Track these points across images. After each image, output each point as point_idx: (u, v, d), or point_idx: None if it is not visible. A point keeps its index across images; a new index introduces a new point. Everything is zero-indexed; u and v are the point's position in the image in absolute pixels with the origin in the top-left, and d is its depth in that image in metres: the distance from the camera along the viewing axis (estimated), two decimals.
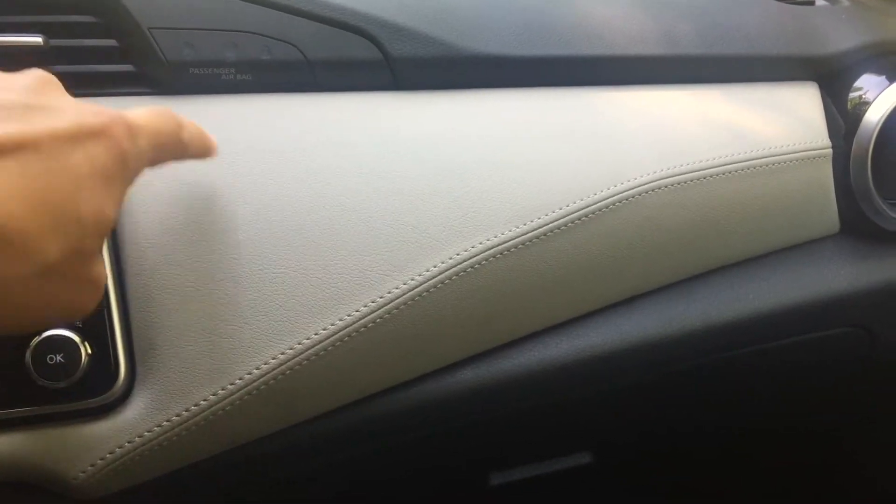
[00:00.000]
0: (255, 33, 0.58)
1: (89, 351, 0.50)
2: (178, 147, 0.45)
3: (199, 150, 0.48)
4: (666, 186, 0.62)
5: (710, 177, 0.64)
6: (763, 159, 0.66)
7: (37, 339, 0.49)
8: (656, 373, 0.68)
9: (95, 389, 0.50)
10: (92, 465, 0.50)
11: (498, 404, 0.63)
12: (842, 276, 0.70)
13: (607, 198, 0.60)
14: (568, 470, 0.78)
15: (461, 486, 0.77)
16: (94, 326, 0.50)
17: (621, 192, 0.61)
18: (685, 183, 0.63)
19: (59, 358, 0.49)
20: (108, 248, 0.51)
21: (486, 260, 0.57)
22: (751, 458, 0.97)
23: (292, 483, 0.63)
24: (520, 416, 0.68)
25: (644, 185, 0.61)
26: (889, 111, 0.67)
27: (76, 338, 0.49)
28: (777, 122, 0.67)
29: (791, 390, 0.84)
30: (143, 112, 0.42)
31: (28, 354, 0.48)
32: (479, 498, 0.77)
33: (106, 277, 0.42)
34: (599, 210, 0.60)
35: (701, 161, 0.64)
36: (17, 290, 0.32)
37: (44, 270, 0.33)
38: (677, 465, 0.90)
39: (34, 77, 0.37)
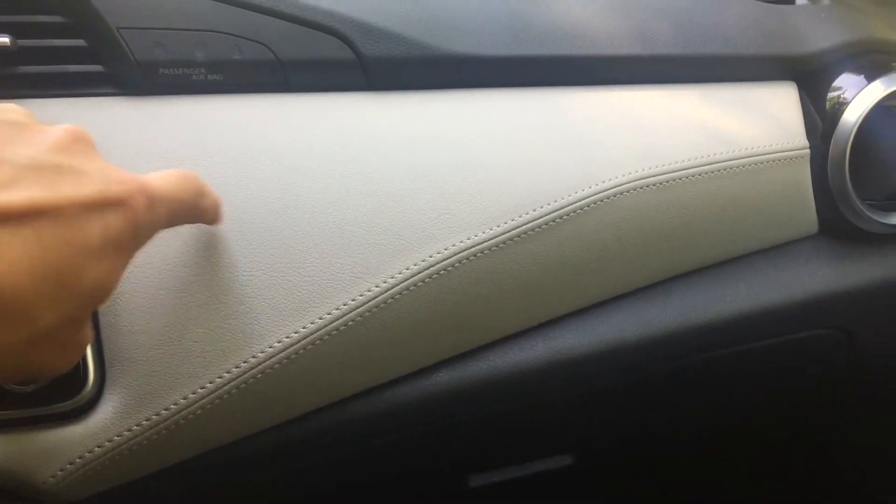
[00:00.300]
0: (225, 33, 0.59)
1: None
2: (195, 215, 0.46)
3: (213, 217, 0.49)
4: (642, 187, 0.63)
5: (688, 178, 0.65)
6: (741, 160, 0.67)
7: None
8: (635, 375, 0.69)
9: (64, 393, 0.51)
10: (62, 470, 0.51)
11: (475, 407, 0.65)
12: (820, 276, 0.71)
13: (582, 199, 0.62)
14: (548, 472, 0.79)
15: (441, 488, 0.78)
16: None
17: (597, 194, 0.62)
18: (662, 184, 0.64)
19: None
20: None
21: (460, 262, 0.58)
22: (731, 461, 0.98)
23: (266, 486, 0.64)
24: (498, 419, 0.69)
25: (620, 185, 0.63)
26: (867, 111, 0.68)
27: None
28: (755, 123, 0.68)
29: (771, 392, 0.85)
30: (167, 179, 0.42)
31: None
32: (459, 500, 0.79)
33: (90, 339, 0.42)
34: (574, 211, 0.61)
35: (678, 162, 0.65)
36: (1, 354, 0.33)
37: (35, 337, 0.33)
38: (658, 468, 0.92)
39: (66, 133, 0.37)
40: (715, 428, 0.88)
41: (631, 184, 0.63)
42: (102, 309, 0.52)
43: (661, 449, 0.87)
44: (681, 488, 0.97)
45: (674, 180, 0.65)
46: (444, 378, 0.62)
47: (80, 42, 0.57)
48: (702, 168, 0.65)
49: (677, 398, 0.80)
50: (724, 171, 0.66)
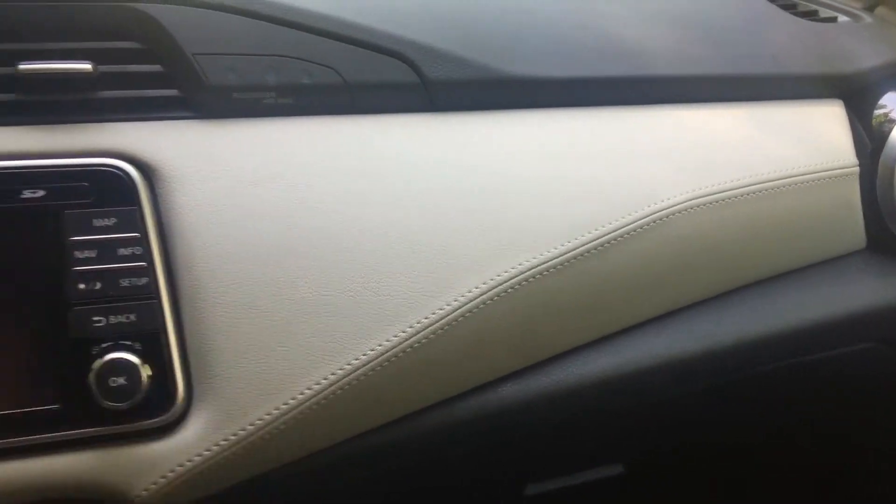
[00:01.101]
0: (295, 58, 0.64)
1: (149, 373, 0.56)
2: None
3: None
4: (698, 206, 0.70)
5: (741, 196, 0.71)
6: (791, 178, 0.73)
7: (99, 363, 0.55)
8: (689, 388, 0.75)
9: (155, 410, 0.56)
10: (154, 483, 0.56)
11: (537, 419, 0.70)
12: (867, 291, 0.77)
13: (641, 218, 0.68)
14: (600, 480, 0.85)
15: (497, 497, 0.84)
16: (153, 349, 0.56)
17: (655, 213, 0.68)
18: (716, 203, 0.70)
19: (120, 380, 0.55)
20: (163, 272, 0.58)
21: (527, 280, 0.64)
22: (778, 474, 1.04)
23: (339, 496, 0.69)
24: (556, 430, 0.75)
25: (677, 205, 0.69)
26: None
27: (136, 361, 0.56)
28: (804, 141, 0.75)
29: (818, 406, 0.92)
30: None
31: (91, 377, 0.55)
32: None
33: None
34: (634, 230, 0.67)
35: (731, 181, 0.71)
36: None
37: None
38: (706, 478, 0.98)
39: None
40: (761, 440, 0.94)
41: (687, 203, 0.69)
42: (189, 329, 0.58)
43: (709, 459, 0.93)
44: (727, 497, 1.03)
45: (728, 199, 0.71)
46: (508, 391, 0.68)
47: (157, 67, 0.62)
48: (754, 187, 0.72)
49: (727, 410, 0.86)
50: (776, 190, 0.73)
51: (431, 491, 0.79)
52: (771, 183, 0.72)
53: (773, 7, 0.86)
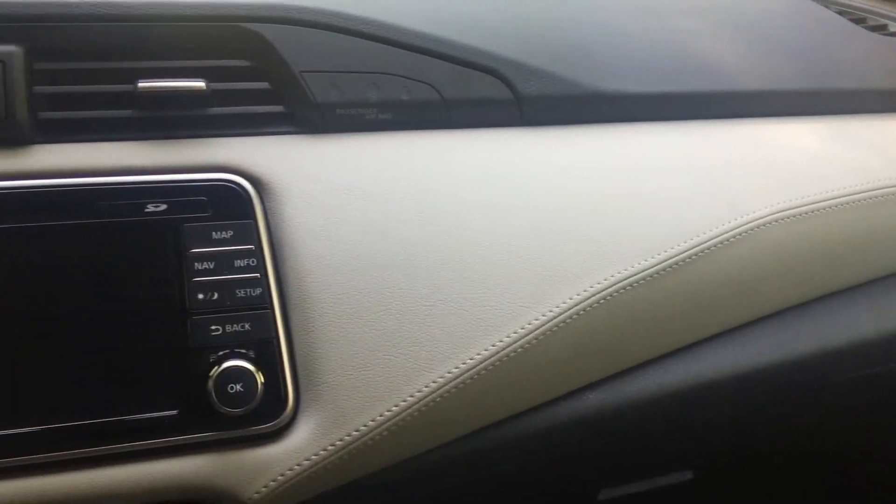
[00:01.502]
0: (396, 75, 0.66)
1: (262, 380, 0.58)
2: None
3: None
4: (782, 219, 0.71)
5: (826, 209, 0.72)
6: (872, 192, 0.74)
7: (217, 370, 0.57)
8: (765, 397, 0.76)
9: (267, 416, 0.58)
10: (265, 487, 0.58)
11: (618, 425, 0.72)
12: None
13: (727, 231, 0.69)
14: (669, 486, 0.86)
15: (571, 501, 0.85)
16: (265, 357, 0.58)
17: (741, 226, 0.69)
18: (802, 215, 0.71)
19: (238, 387, 0.57)
20: (275, 283, 0.60)
21: (618, 291, 0.65)
22: (849, 483, 1.05)
23: (435, 498, 0.71)
24: (634, 436, 0.76)
25: (761, 218, 0.70)
26: None
27: (252, 368, 0.58)
28: (884, 154, 0.75)
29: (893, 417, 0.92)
30: None
31: (210, 384, 0.57)
32: None
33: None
34: (721, 243, 0.68)
35: (816, 194, 0.72)
36: None
37: None
38: (775, 486, 0.98)
39: None
40: (833, 450, 0.95)
41: (773, 216, 0.70)
42: (298, 338, 0.60)
43: (779, 467, 0.94)
44: None
45: (813, 212, 0.72)
46: (594, 399, 0.69)
47: (265, 85, 0.64)
48: (839, 200, 0.72)
49: (802, 419, 0.87)
50: (858, 203, 0.73)
51: (510, 494, 0.81)
52: (853, 196, 0.73)
53: (846, 22, 0.87)
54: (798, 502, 1.03)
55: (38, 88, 0.59)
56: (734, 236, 0.69)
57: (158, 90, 0.60)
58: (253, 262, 0.58)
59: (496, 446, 0.67)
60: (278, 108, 0.64)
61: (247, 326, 0.58)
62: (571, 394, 0.69)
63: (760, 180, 0.71)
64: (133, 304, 0.57)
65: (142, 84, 0.60)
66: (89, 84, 0.61)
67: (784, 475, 0.98)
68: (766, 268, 0.70)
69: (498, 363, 0.62)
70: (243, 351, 0.58)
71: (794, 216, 0.71)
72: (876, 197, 0.74)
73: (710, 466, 0.88)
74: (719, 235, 0.68)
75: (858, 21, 0.88)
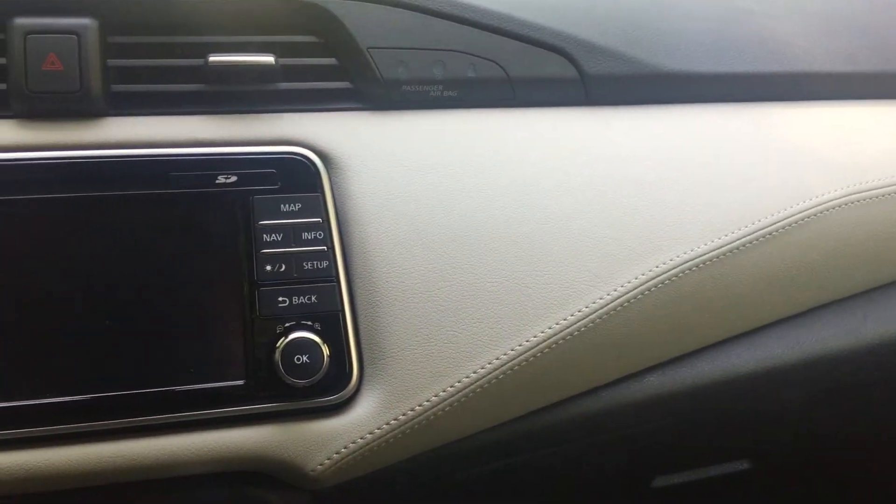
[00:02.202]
0: (462, 52, 0.65)
1: (328, 352, 0.57)
2: None
3: None
4: (851, 203, 0.68)
5: (893, 193, 0.70)
6: None
7: (284, 341, 0.57)
8: (831, 385, 0.74)
9: (332, 388, 0.58)
10: (328, 459, 0.58)
11: (677, 410, 0.70)
12: None
13: (796, 213, 0.67)
14: (726, 475, 0.84)
15: (625, 487, 0.84)
16: (331, 330, 0.58)
17: (809, 209, 0.67)
18: (871, 199, 0.69)
19: (304, 359, 0.57)
20: (341, 256, 0.59)
21: (683, 273, 0.64)
22: None
23: (483, 481, 0.70)
24: (692, 422, 0.75)
25: (832, 200, 0.68)
26: None
27: (318, 340, 0.57)
28: None
29: None
30: None
31: (277, 355, 0.56)
32: (642, 500, 0.84)
33: None
34: (789, 225, 0.66)
35: (884, 178, 0.70)
36: None
37: None
38: (833, 478, 0.96)
39: None
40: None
41: (842, 199, 0.68)
42: (362, 311, 0.59)
43: (841, 456, 0.92)
44: (853, 498, 1.01)
45: (883, 195, 0.69)
46: (654, 382, 0.68)
47: (332, 61, 0.64)
48: None
49: (862, 410, 0.84)
50: None
51: (565, 477, 0.80)
52: None
53: None
54: (858, 497, 1.01)
55: (112, 62, 0.60)
56: (803, 219, 0.67)
57: (228, 64, 0.60)
58: (320, 234, 0.58)
59: (555, 427, 0.66)
60: (345, 84, 0.64)
61: (313, 299, 0.57)
62: (632, 376, 0.67)
63: (830, 163, 0.69)
64: (203, 274, 0.57)
65: (212, 58, 0.60)
66: (161, 58, 0.61)
67: (847, 469, 0.95)
68: (834, 252, 0.68)
69: (561, 342, 0.61)
70: (309, 323, 0.57)
71: (864, 199, 0.69)
72: None
73: (769, 456, 0.86)
74: (787, 218, 0.66)
75: None
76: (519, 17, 0.66)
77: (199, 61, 0.60)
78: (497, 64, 0.65)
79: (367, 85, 0.64)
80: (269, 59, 0.61)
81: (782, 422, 0.81)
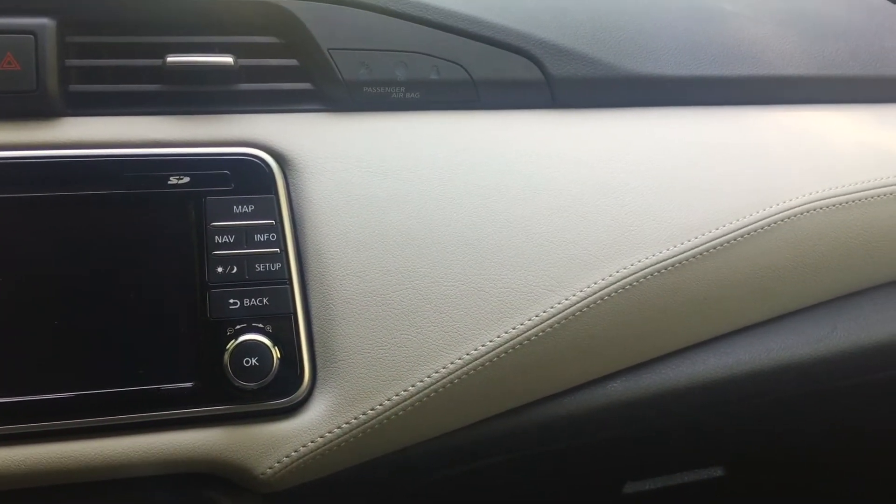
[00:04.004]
0: (425, 54, 0.63)
1: (279, 355, 0.56)
2: None
3: None
4: (821, 208, 0.66)
5: (866, 199, 0.67)
6: None
7: (234, 343, 0.55)
8: (798, 392, 0.71)
9: (282, 391, 0.56)
10: (279, 462, 0.56)
11: (642, 416, 0.68)
12: None
13: (762, 219, 0.64)
14: (699, 482, 0.82)
15: (596, 494, 0.81)
16: (283, 333, 0.56)
17: (776, 214, 0.65)
18: (840, 205, 0.66)
19: (253, 361, 0.55)
20: (294, 258, 0.57)
21: (644, 278, 0.62)
22: (891, 483, 0.99)
23: (440, 487, 0.68)
24: (660, 428, 0.72)
25: (799, 206, 0.65)
26: None
27: (268, 343, 0.55)
28: None
29: None
30: None
31: (226, 357, 0.55)
32: None
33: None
34: (754, 231, 0.64)
35: (857, 183, 0.67)
36: None
37: None
38: (807, 485, 0.93)
39: None
40: (867, 448, 0.89)
41: (810, 204, 0.65)
42: (316, 314, 0.57)
43: (812, 466, 0.89)
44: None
45: (852, 202, 0.67)
46: (617, 388, 0.66)
47: (293, 62, 0.62)
48: (879, 190, 0.67)
49: (833, 417, 0.81)
50: None
51: (531, 484, 0.77)
52: (894, 187, 0.67)
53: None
54: (832, 502, 0.98)
55: (70, 61, 0.58)
56: (768, 224, 0.64)
57: (187, 65, 0.59)
58: (273, 236, 0.56)
59: (515, 432, 0.64)
60: (306, 86, 0.62)
61: (265, 301, 0.56)
62: (594, 382, 0.65)
63: (799, 168, 0.66)
64: (154, 275, 0.55)
65: (171, 59, 0.58)
66: (120, 58, 0.59)
67: (819, 476, 0.92)
68: (801, 258, 0.66)
69: (518, 347, 0.59)
70: (261, 325, 0.56)
71: (831, 206, 0.66)
72: None
73: (742, 463, 0.83)
74: (753, 223, 0.64)
75: None
76: (483, 18, 0.64)
77: (158, 62, 0.59)
78: (460, 66, 0.63)
79: (328, 86, 0.62)
80: (227, 59, 0.59)
81: (752, 429, 0.78)
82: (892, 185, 0.68)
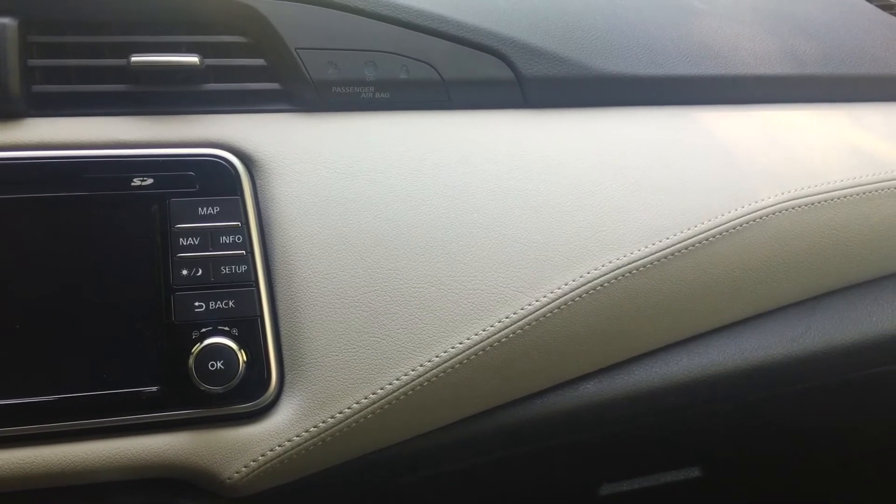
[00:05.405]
0: (394, 53, 0.62)
1: (245, 359, 0.54)
2: None
3: None
4: (793, 208, 0.65)
5: (838, 199, 0.66)
6: (889, 182, 0.68)
7: (198, 347, 0.54)
8: (772, 392, 0.70)
9: (249, 395, 0.55)
10: (245, 467, 0.55)
11: (617, 417, 0.67)
12: None
13: (734, 219, 0.63)
14: (676, 483, 0.81)
15: (572, 495, 0.81)
16: (249, 336, 0.55)
17: (748, 214, 0.64)
18: (812, 205, 0.65)
19: (219, 365, 0.54)
20: (261, 260, 0.56)
21: (615, 279, 0.61)
22: (863, 482, 0.98)
23: (413, 490, 0.67)
24: (635, 429, 0.71)
25: (771, 206, 0.64)
26: None
27: (234, 346, 0.54)
28: None
29: None
30: None
31: (191, 361, 0.53)
32: None
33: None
34: (726, 231, 0.63)
35: (828, 183, 0.66)
36: None
37: None
38: (784, 485, 0.93)
39: None
40: (848, 448, 0.89)
41: (782, 204, 0.65)
42: (283, 317, 0.56)
43: (791, 463, 0.88)
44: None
45: (824, 201, 0.66)
46: (590, 389, 0.65)
47: (261, 61, 0.61)
48: (852, 189, 0.67)
49: (810, 417, 0.81)
50: (875, 193, 0.67)
51: (506, 486, 0.76)
52: (868, 186, 0.67)
53: (872, 7, 0.80)
54: (810, 501, 0.97)
55: (33, 61, 0.57)
56: (741, 224, 0.63)
57: (151, 65, 0.57)
58: (239, 238, 0.55)
59: (488, 434, 0.63)
60: (273, 86, 0.61)
61: (231, 304, 0.55)
62: (568, 383, 0.64)
63: (771, 169, 0.65)
64: (117, 278, 0.54)
65: (135, 58, 0.57)
66: (84, 58, 0.58)
67: (795, 474, 0.92)
68: (774, 258, 0.65)
69: (488, 348, 0.58)
70: (227, 328, 0.54)
71: (804, 205, 0.65)
72: (893, 188, 0.68)
73: (719, 464, 0.83)
74: (725, 223, 0.63)
75: (886, 7, 0.81)
76: (453, 17, 0.63)
77: (122, 61, 0.58)
78: (430, 65, 0.62)
79: (296, 86, 0.61)
80: (193, 59, 0.58)
81: (728, 429, 0.77)
82: (865, 185, 0.67)
